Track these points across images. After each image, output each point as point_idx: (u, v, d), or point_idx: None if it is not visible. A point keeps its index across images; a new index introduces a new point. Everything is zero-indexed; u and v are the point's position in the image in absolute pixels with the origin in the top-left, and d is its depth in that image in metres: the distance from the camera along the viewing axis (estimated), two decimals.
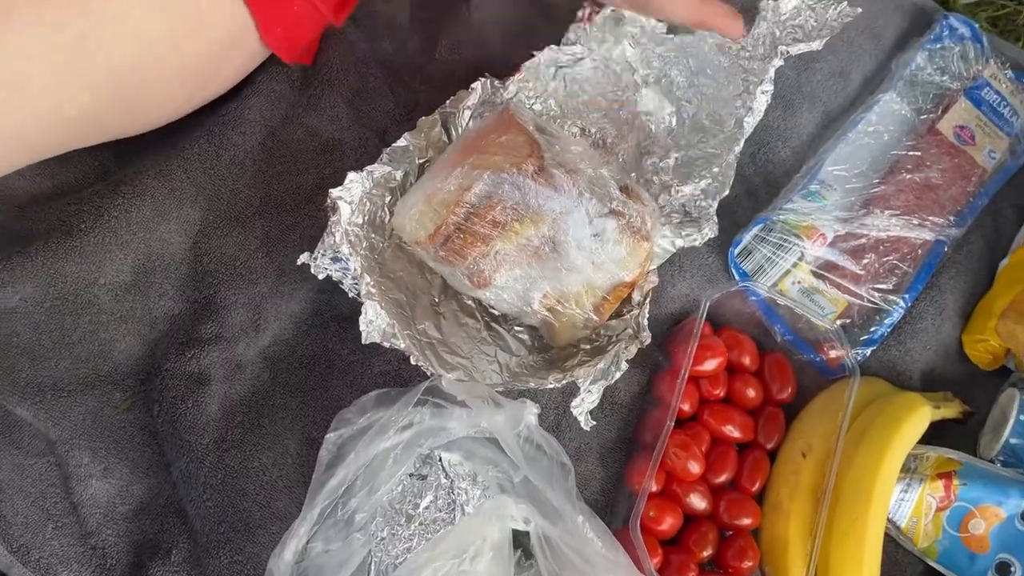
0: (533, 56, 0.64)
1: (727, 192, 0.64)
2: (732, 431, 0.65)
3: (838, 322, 0.70)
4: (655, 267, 0.63)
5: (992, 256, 0.74)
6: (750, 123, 0.64)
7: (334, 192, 0.56)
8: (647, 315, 0.61)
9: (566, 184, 0.56)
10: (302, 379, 0.61)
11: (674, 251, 0.64)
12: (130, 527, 0.59)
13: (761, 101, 0.64)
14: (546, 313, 0.60)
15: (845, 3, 0.67)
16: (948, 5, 0.80)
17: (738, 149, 0.64)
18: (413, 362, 0.56)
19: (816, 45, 0.66)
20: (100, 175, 0.64)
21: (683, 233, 0.63)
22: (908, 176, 0.73)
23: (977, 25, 0.78)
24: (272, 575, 0.52)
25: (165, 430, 0.59)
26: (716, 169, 0.64)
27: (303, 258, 0.56)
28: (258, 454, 0.59)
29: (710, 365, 0.65)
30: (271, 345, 0.62)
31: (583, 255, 0.58)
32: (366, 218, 0.59)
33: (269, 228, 0.64)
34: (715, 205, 0.64)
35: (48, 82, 0.51)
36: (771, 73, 0.64)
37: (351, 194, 0.57)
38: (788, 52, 0.65)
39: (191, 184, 0.64)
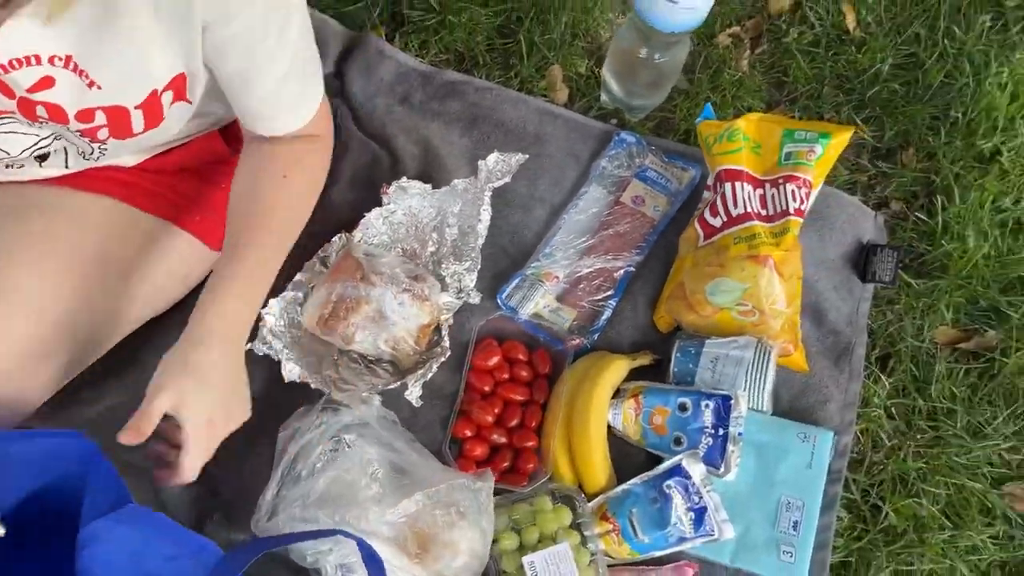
0: (365, 215, 1.17)
1: (480, 266, 1.15)
2: (516, 396, 1.13)
3: (574, 324, 1.19)
4: (451, 313, 1.14)
5: (664, 267, 1.21)
6: (482, 228, 1.15)
7: (262, 311, 1.08)
8: (448, 340, 1.11)
9: (378, 282, 1.07)
10: (268, 408, 1.11)
11: (460, 303, 1.14)
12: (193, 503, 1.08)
13: (485, 216, 1.15)
14: (391, 351, 1.11)
15: (519, 154, 1.20)
16: (624, 125, 1.32)
17: (481, 242, 1.15)
18: (314, 386, 1.06)
19: (508, 179, 1.18)
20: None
21: (459, 295, 1.14)
22: (605, 232, 1.23)
23: (639, 135, 1.29)
24: (260, 507, 1.01)
25: None
26: (473, 255, 1.15)
27: (249, 345, 1.07)
28: (255, 452, 1.08)
29: (493, 360, 1.13)
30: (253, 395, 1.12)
31: (397, 315, 1.08)
32: (286, 321, 1.11)
33: None
34: (475, 274, 1.14)
35: None
36: (487, 199, 1.16)
37: (272, 310, 1.09)
38: (493, 186, 1.17)
39: None
